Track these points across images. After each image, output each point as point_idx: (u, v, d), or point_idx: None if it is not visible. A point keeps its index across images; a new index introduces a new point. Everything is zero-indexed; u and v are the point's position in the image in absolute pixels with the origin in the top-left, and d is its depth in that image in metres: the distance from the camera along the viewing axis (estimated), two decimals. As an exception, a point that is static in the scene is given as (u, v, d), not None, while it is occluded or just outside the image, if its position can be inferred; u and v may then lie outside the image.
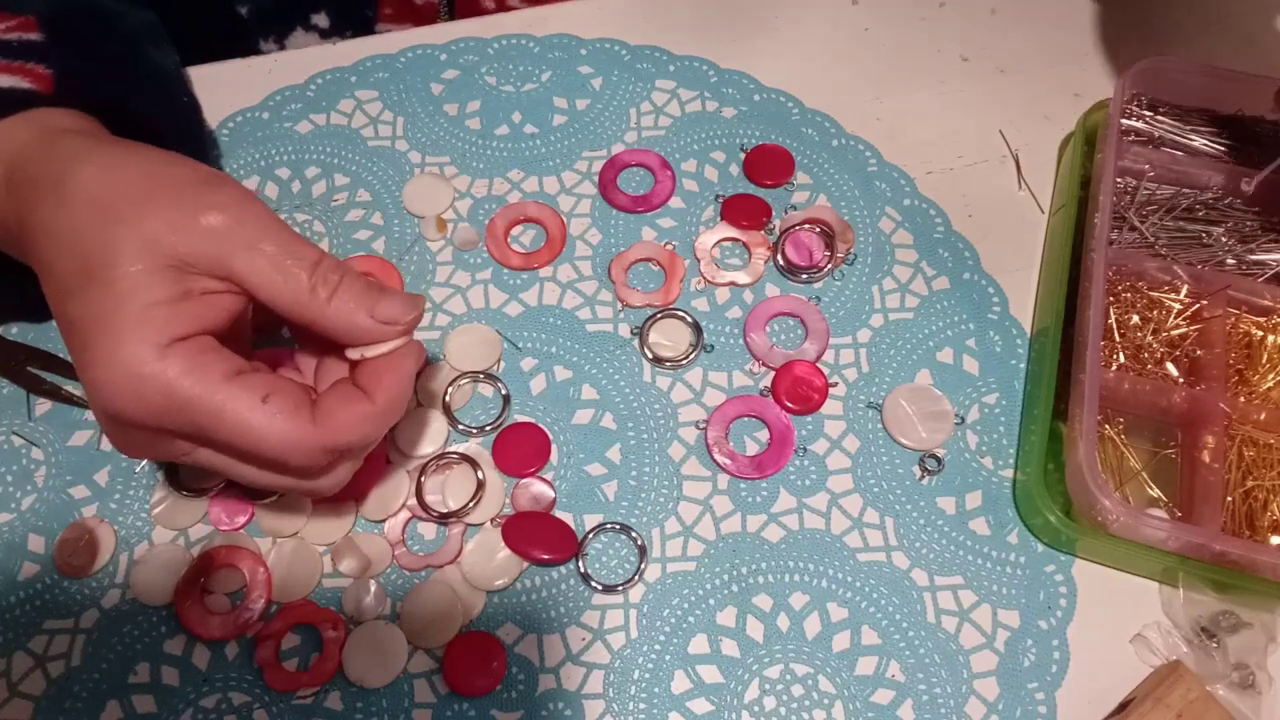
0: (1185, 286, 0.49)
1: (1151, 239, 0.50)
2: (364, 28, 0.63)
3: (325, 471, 0.38)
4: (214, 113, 0.55)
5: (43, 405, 0.48)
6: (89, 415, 0.48)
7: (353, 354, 0.38)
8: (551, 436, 0.48)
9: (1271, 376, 0.47)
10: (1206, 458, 0.45)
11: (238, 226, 0.36)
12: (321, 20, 0.62)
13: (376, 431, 0.38)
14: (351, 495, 0.46)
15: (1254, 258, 0.50)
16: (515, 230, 0.53)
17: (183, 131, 0.50)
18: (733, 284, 0.52)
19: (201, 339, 0.36)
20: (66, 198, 0.36)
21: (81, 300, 0.35)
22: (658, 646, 0.44)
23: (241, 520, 0.45)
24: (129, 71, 0.47)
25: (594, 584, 0.45)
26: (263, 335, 0.45)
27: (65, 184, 0.36)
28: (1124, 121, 0.52)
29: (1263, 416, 0.46)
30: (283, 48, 0.62)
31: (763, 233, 0.53)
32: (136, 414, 0.35)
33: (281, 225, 0.37)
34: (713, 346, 0.50)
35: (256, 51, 0.60)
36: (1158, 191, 0.52)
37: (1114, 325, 0.49)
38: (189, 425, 0.35)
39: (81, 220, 0.35)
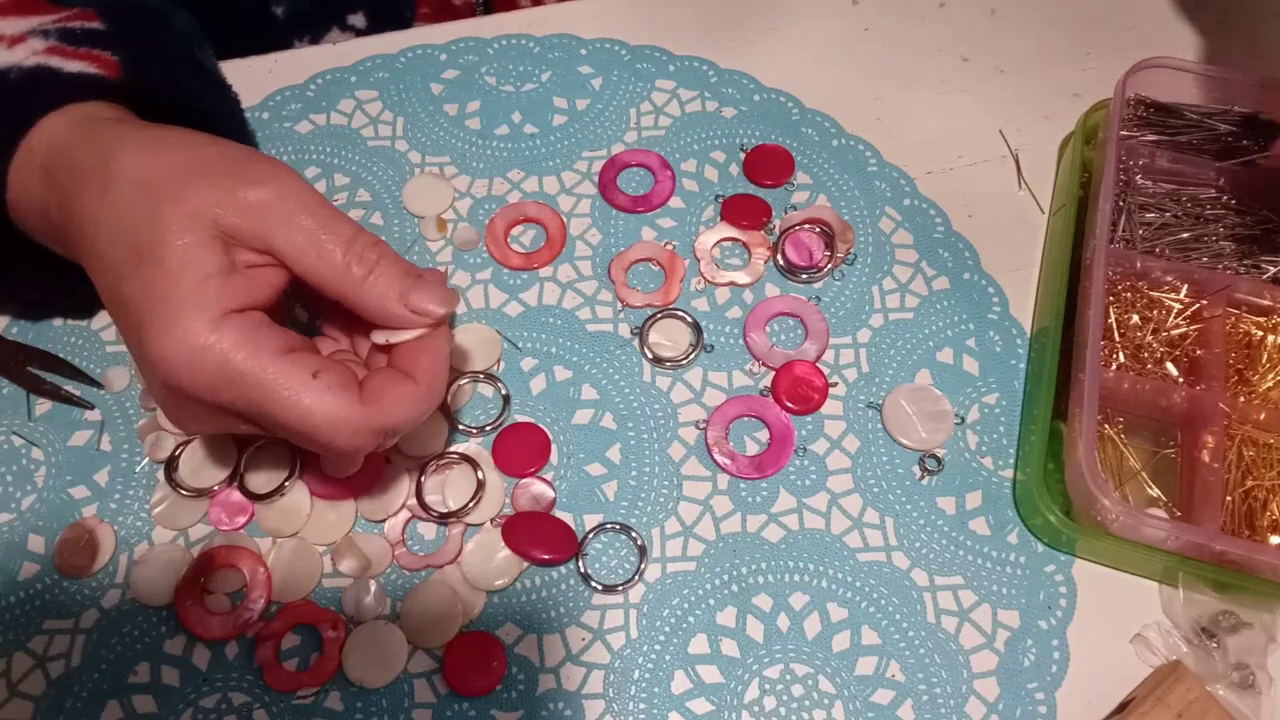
0: (1185, 286, 0.49)
1: (1152, 239, 0.50)
2: (401, 28, 0.62)
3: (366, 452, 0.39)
4: (214, 113, 0.55)
5: (43, 405, 0.48)
6: (89, 415, 0.48)
7: (378, 338, 0.39)
8: (551, 436, 0.48)
9: (1271, 376, 0.47)
10: (1206, 458, 0.45)
11: (277, 201, 0.36)
12: (358, 20, 0.62)
13: (422, 412, 0.38)
14: (351, 495, 0.46)
15: (1254, 258, 0.50)
16: (515, 230, 0.53)
17: (234, 124, 0.50)
18: (733, 284, 0.52)
19: (253, 314, 0.36)
20: (111, 182, 0.36)
21: (135, 281, 0.35)
22: (658, 646, 0.44)
23: (241, 520, 0.45)
24: (186, 62, 0.47)
25: (594, 584, 0.45)
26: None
27: (109, 169, 0.36)
28: (1124, 121, 0.52)
29: (1263, 416, 0.46)
30: None
31: (763, 233, 0.53)
32: (194, 387, 0.35)
33: (320, 201, 0.37)
34: (713, 346, 0.50)
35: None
36: (1157, 191, 0.52)
37: (1114, 325, 0.49)
38: (241, 399, 0.35)
39: (128, 203, 0.36)
